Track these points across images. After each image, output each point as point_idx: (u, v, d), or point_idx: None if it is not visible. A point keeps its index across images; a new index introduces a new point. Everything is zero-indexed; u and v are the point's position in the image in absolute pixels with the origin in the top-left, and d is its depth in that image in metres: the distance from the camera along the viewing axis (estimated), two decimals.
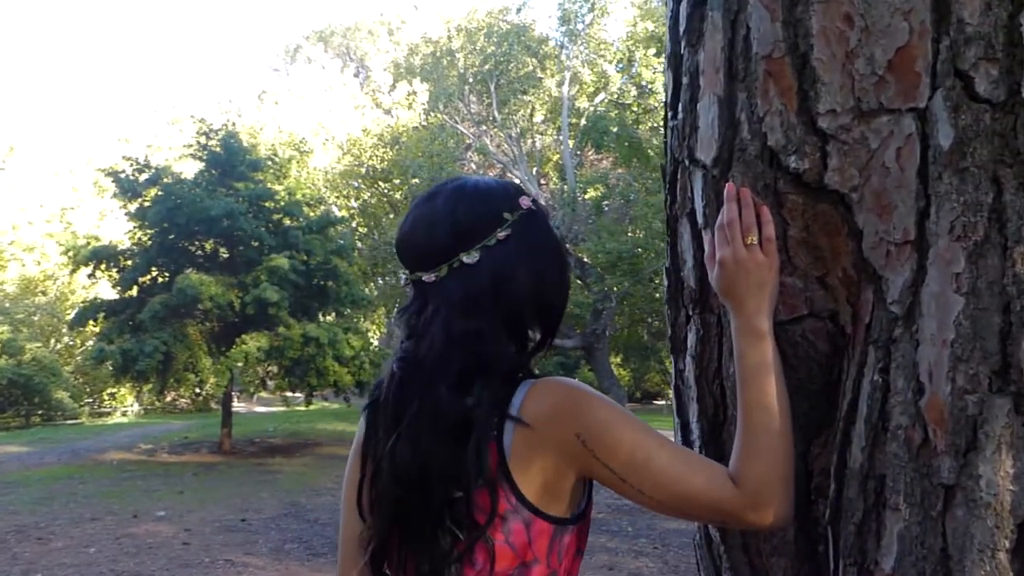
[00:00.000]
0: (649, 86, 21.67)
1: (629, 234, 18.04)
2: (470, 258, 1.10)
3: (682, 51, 1.30)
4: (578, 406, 1.05)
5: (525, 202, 1.15)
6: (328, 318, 15.09)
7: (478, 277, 1.10)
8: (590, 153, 23.87)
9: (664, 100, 1.42)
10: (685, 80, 1.29)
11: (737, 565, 1.26)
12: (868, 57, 1.02)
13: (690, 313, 1.30)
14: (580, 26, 21.71)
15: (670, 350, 1.40)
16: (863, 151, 1.03)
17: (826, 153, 1.06)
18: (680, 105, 1.31)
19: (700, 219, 1.24)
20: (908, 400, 0.96)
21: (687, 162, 1.28)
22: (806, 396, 1.15)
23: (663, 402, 27.67)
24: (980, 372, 0.90)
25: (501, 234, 1.11)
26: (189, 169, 14.96)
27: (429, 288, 1.12)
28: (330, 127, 23.89)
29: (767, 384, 1.05)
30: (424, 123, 22.19)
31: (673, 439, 1.42)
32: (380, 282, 20.48)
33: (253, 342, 12.73)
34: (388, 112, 25.33)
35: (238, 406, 21.28)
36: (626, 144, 20.23)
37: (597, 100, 22.23)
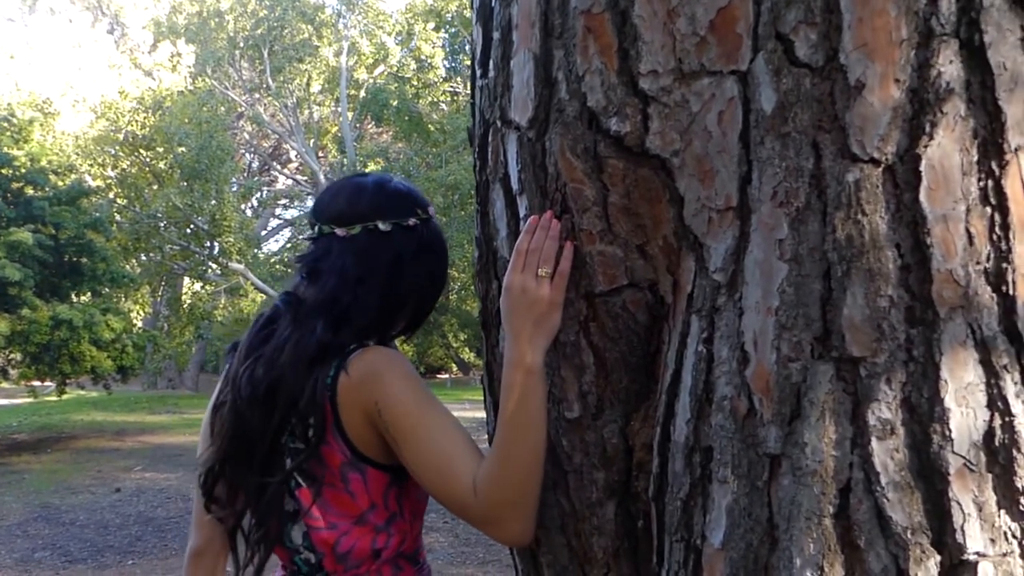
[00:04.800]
0: (428, 60, 21.56)
1: None
2: (385, 225, 1.24)
3: (493, 4, 1.21)
4: (382, 376, 1.13)
5: (432, 212, 1.31)
6: (84, 298, 13.67)
7: (384, 244, 1.23)
8: (370, 126, 23.45)
9: (472, 56, 1.32)
10: (496, 35, 1.20)
11: (555, 548, 1.20)
12: (690, 16, 0.98)
13: None
14: None
15: (481, 325, 1.31)
16: (684, 114, 1.00)
17: (647, 116, 1.02)
18: (491, 63, 1.22)
19: (515, 184, 1.17)
20: (733, 370, 0.94)
21: (499, 123, 1.19)
22: (626, 369, 1.11)
23: (446, 376, 28.00)
24: (803, 339, 0.89)
25: (411, 221, 1.26)
26: None
27: (337, 240, 1.24)
28: (80, 87, 21.56)
29: (523, 416, 1.08)
30: (191, 88, 20.62)
31: (486, 416, 1.35)
32: (143, 258, 18.83)
33: None
34: (149, 74, 23.29)
35: None
36: (406, 118, 20.05)
37: (376, 72, 21.81)
